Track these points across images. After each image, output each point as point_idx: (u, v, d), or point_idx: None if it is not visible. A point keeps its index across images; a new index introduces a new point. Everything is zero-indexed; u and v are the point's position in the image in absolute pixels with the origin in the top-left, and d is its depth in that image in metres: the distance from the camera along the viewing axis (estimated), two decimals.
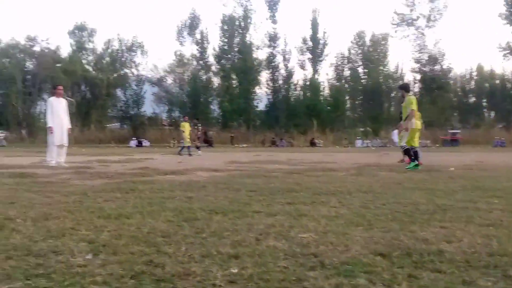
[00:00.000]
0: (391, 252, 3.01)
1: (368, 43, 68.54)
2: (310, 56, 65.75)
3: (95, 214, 4.41)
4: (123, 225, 3.85)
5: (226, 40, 64.08)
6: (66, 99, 13.18)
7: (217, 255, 2.92)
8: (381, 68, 68.16)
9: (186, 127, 22.66)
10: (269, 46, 64.88)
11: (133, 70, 65.74)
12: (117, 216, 4.29)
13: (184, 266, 2.66)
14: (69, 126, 12.96)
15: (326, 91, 68.24)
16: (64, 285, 2.34)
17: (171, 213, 4.45)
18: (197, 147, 23.99)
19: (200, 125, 24.39)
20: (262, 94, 66.30)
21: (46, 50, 62.23)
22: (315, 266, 2.72)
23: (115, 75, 64.11)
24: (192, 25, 64.36)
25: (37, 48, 62.48)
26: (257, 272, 2.58)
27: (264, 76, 65.87)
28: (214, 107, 66.30)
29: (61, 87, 13.18)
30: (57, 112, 12.57)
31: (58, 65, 60.57)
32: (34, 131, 56.47)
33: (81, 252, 2.96)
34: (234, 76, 64.70)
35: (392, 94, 65.69)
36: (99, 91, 62.43)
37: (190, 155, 21.17)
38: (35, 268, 2.59)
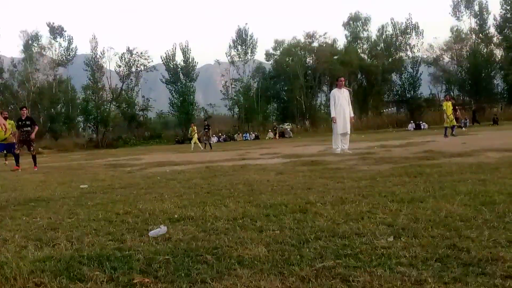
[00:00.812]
0: None
1: None
2: None
3: (388, 198, 4.52)
4: (418, 209, 3.86)
5: (508, 7, 57.75)
6: (347, 89, 13.75)
7: None
8: None
9: (448, 107, 21.61)
10: None
11: (408, 52, 64.58)
12: (409, 200, 4.32)
13: (491, 251, 2.54)
14: (352, 115, 13.49)
15: None
16: (371, 265, 2.47)
17: (466, 197, 4.28)
18: (457, 127, 22.29)
19: (457, 107, 22.50)
20: None
21: (324, 45, 65.83)
22: None
23: (390, 60, 63.95)
24: None
25: (315, 44, 66.62)
26: None
27: None
28: (498, 82, 60.60)
29: (342, 79, 13.86)
30: (339, 102, 13.23)
31: (335, 57, 63.45)
32: (316, 122, 60.34)
33: (382, 234, 3.08)
34: None
35: None
36: (374, 78, 63.20)
37: (453, 135, 20.24)
38: (343, 249, 2.80)
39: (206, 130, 28.27)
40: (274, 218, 3.86)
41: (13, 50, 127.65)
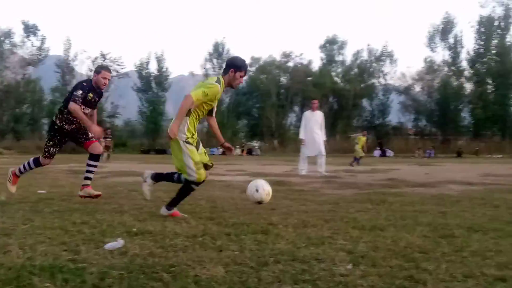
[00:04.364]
0: None
1: None
2: None
3: (350, 224, 4.54)
4: (378, 237, 3.87)
5: (482, 42, 59.47)
6: (320, 112, 13.75)
7: (481, 276, 2.75)
8: None
9: (361, 140, 23.29)
10: None
11: (381, 79, 65.83)
12: (371, 228, 4.34)
13: (447, 285, 2.57)
14: (324, 138, 13.47)
15: None
16: None
17: (426, 228, 4.32)
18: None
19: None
20: None
21: (299, 65, 66.62)
22: None
23: (362, 85, 64.95)
24: (445, 29, 61.42)
25: (291, 64, 67.31)
26: None
27: None
28: (465, 115, 62.20)
29: (315, 101, 13.94)
30: (310, 125, 13.25)
31: (309, 78, 64.20)
32: (285, 141, 60.63)
33: (342, 261, 3.07)
34: (489, 81, 59.72)
35: None
36: (346, 102, 64.08)
37: (351, 165, 20.42)
38: (301, 274, 2.77)
39: (108, 139, 24.67)
40: (235, 237, 3.81)
41: None
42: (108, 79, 6.08)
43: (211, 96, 4.81)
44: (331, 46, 67.28)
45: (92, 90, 5.97)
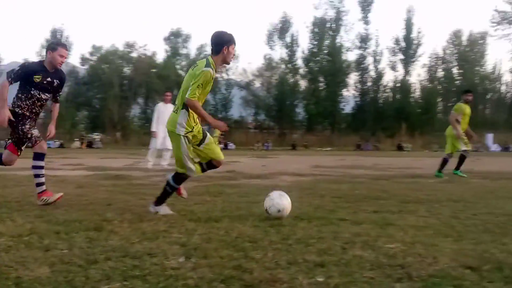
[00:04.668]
0: (481, 265, 2.92)
1: (464, 42, 65.31)
2: (402, 57, 63.86)
3: (187, 217, 4.62)
4: (213, 229, 4.00)
5: (316, 42, 63.68)
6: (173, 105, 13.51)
7: (303, 263, 2.96)
8: (477, 68, 64.76)
9: (216, 133, 24.73)
10: (360, 48, 63.79)
11: (223, 74, 67.14)
12: (206, 219, 4.46)
13: (271, 273, 2.73)
14: None
15: (417, 93, 66.11)
16: (158, 287, 2.48)
17: (258, 218, 4.56)
18: None
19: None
20: (349, 97, 65.39)
21: (143, 56, 65.07)
22: (402, 278, 2.70)
23: None
24: (283, 28, 64.60)
25: (134, 54, 65.44)
26: (343, 281, 2.60)
27: (353, 78, 64.90)
28: (300, 110, 66.25)
29: (168, 94, 13.57)
30: (162, 118, 13.02)
31: (153, 70, 63.15)
32: (128, 134, 59.14)
33: (174, 255, 3.11)
34: (321, 79, 64.28)
35: (488, 96, 62.65)
36: None
37: None
38: (132, 270, 2.76)
39: None
40: (65, 235, 3.66)
41: None
42: (65, 57, 5.43)
43: (206, 83, 4.75)
44: (175, 38, 66.97)
45: (41, 72, 5.32)
